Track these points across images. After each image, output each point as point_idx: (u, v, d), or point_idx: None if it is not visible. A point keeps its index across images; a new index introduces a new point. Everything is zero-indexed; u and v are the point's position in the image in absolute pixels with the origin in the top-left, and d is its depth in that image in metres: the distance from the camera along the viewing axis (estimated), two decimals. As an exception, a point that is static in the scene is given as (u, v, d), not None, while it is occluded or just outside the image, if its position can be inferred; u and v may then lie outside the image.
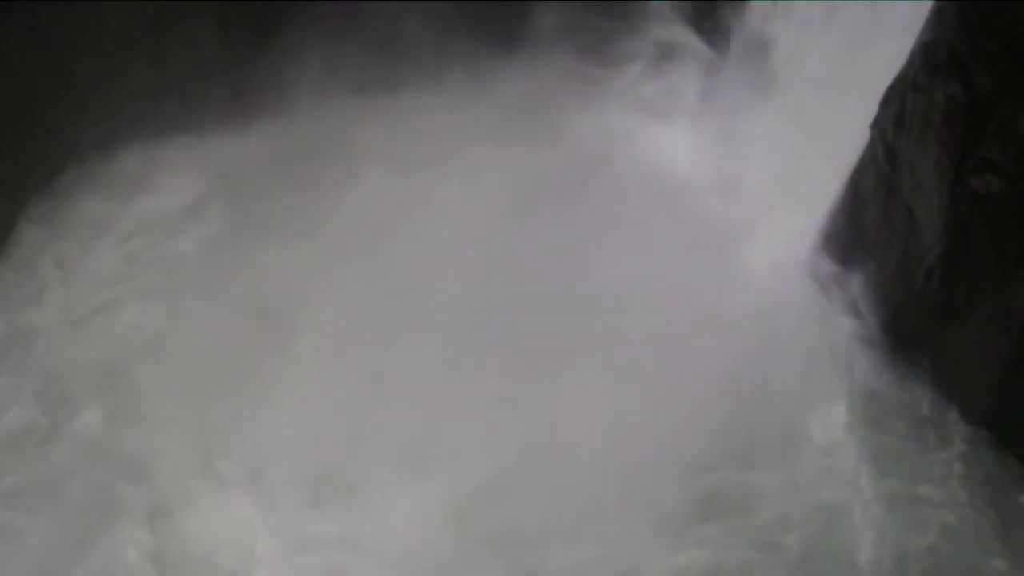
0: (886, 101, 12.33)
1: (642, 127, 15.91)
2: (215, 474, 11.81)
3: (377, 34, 16.01)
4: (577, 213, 14.12)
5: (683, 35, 16.54)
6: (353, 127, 16.06)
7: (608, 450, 11.53)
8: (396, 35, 16.06)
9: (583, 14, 16.61)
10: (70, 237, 14.94)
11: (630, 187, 14.64)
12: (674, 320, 12.72)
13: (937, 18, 11.64)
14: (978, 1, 11.10)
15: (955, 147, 11.37)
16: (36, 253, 14.65)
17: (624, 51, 16.69)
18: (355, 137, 15.95)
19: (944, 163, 11.51)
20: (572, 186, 14.56)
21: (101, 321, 13.74)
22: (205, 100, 16.38)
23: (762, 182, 14.24)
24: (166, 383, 12.62)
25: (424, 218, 14.39)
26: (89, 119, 15.63)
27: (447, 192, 14.59)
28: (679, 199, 14.57)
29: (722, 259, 13.59)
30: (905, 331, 12.59)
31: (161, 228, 15.07)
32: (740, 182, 14.54)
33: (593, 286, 13.18)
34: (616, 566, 10.88)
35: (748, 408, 12.18)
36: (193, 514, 11.43)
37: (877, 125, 12.52)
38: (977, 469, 11.80)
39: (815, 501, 11.49)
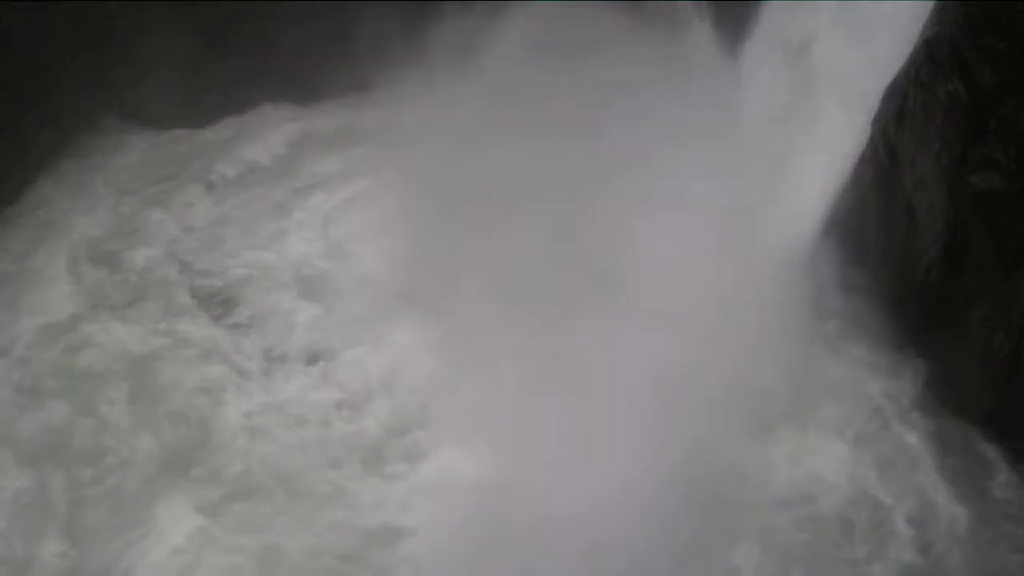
0: (888, 97, 12.32)
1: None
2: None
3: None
4: None
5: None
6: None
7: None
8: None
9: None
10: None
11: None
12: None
13: (940, 15, 11.65)
14: (981, -1, 11.11)
15: (956, 144, 11.37)
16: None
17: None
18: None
19: (945, 159, 11.51)
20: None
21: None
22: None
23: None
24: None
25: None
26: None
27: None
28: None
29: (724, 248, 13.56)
30: (904, 327, 12.59)
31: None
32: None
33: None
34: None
35: (742, 404, 12.17)
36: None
37: (878, 121, 12.51)
38: (973, 466, 11.83)
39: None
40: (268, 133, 17.34)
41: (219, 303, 14.38)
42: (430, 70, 15.48)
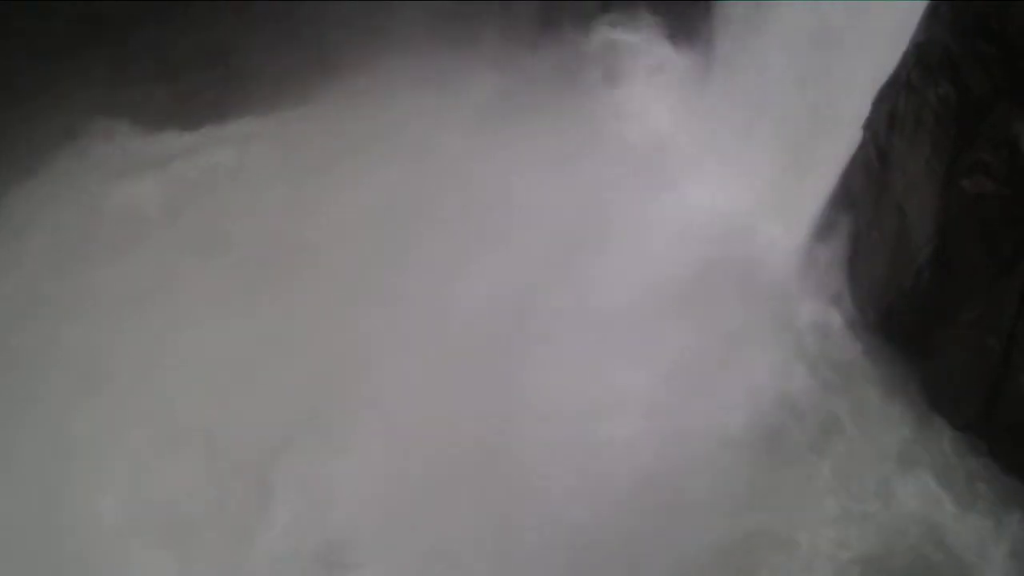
0: (879, 101, 12.35)
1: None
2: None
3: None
4: None
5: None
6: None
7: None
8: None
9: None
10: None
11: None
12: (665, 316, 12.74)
13: (931, 18, 11.66)
14: (972, 2, 11.11)
15: (947, 147, 11.40)
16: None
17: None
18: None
19: (936, 163, 11.54)
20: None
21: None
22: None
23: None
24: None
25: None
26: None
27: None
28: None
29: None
30: (895, 331, 12.61)
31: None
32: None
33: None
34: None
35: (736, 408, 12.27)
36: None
37: (869, 125, 12.53)
38: (965, 469, 11.85)
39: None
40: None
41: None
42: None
